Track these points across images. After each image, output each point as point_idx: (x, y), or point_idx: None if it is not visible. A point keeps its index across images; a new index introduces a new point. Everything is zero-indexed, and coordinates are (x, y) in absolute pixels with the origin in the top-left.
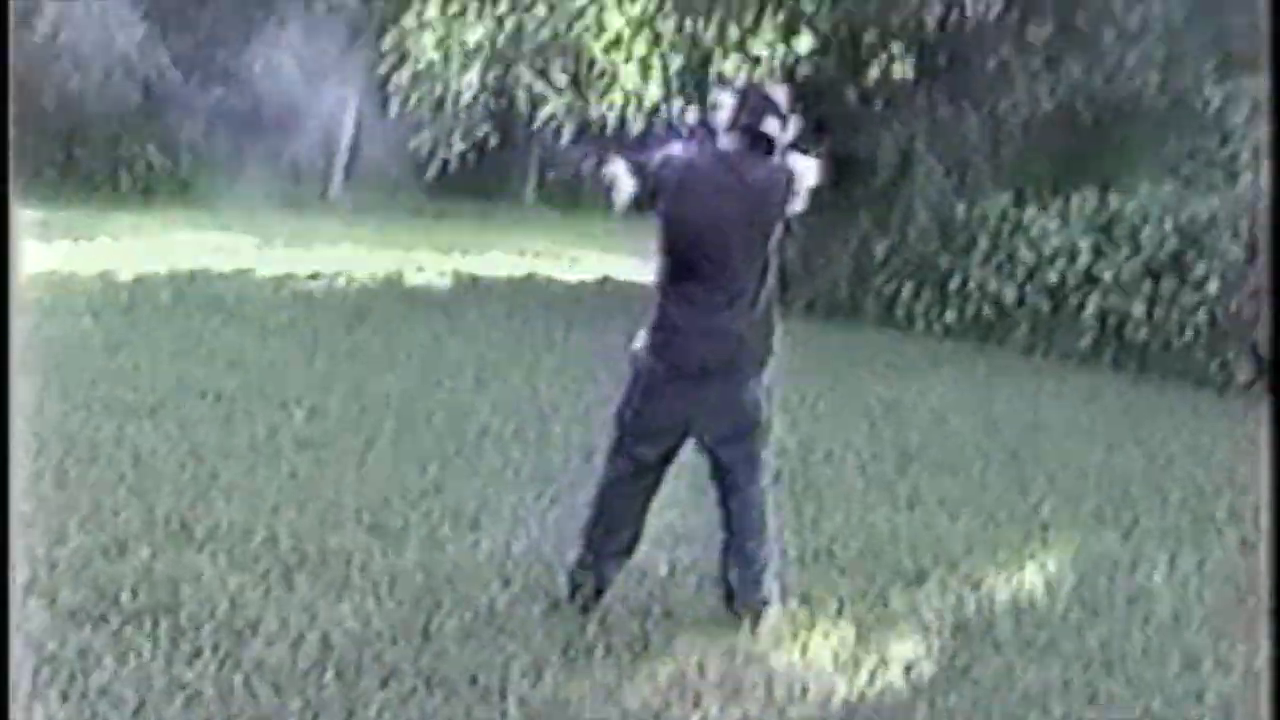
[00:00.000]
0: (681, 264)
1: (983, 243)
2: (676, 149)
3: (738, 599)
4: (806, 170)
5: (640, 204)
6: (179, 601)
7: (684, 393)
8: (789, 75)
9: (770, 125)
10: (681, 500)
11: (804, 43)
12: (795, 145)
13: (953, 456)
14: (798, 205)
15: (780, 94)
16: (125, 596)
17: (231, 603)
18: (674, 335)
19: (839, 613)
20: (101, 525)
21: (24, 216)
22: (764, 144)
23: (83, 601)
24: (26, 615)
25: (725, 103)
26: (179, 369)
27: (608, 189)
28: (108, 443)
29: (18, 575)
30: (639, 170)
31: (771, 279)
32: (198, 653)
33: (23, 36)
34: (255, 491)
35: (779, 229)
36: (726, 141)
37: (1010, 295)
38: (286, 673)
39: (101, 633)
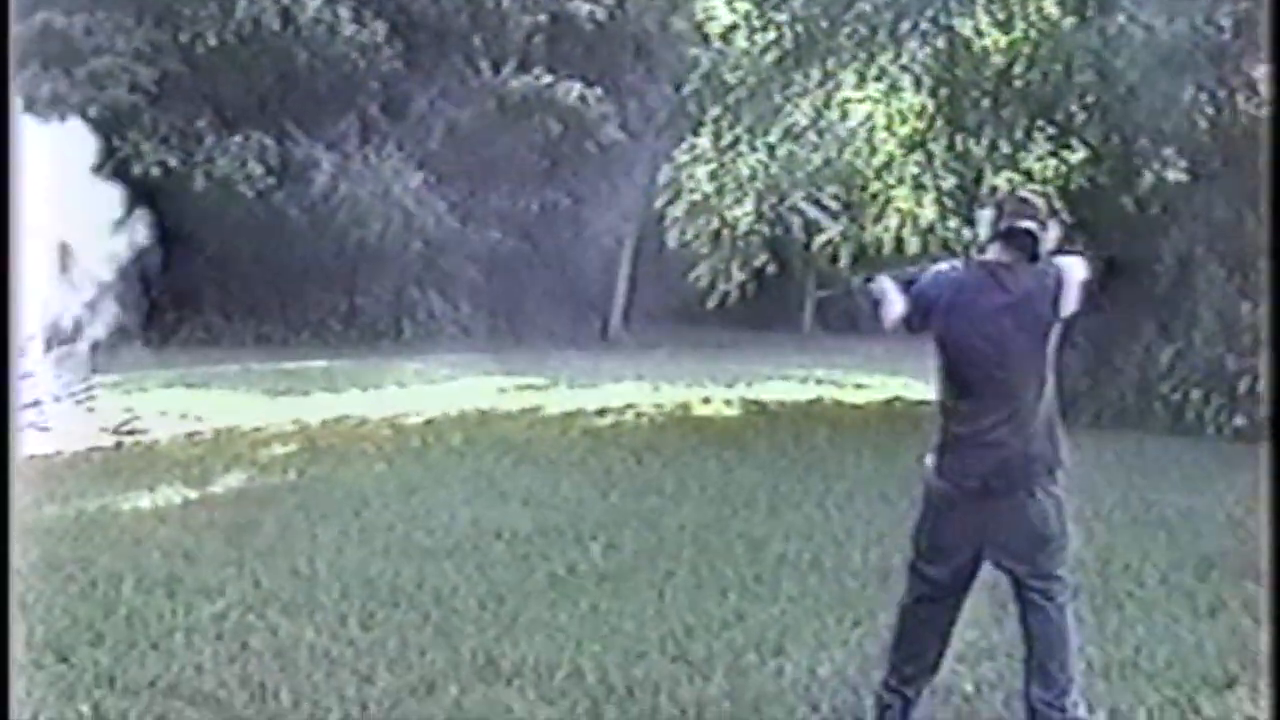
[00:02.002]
0: (960, 381)
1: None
2: (944, 266)
3: (1040, 719)
4: (1073, 268)
5: (911, 325)
6: None
7: (971, 511)
8: (1062, 187)
9: (1030, 224)
10: (985, 616)
11: (1076, 154)
12: (1064, 249)
13: (1252, 561)
14: (1071, 305)
15: (1038, 199)
16: None
17: None
18: (957, 453)
19: None
20: (409, 666)
21: (311, 366)
22: (1028, 249)
23: None
24: None
25: (984, 216)
26: (474, 510)
27: (875, 307)
28: (409, 585)
29: (333, 714)
30: (908, 289)
31: (1051, 388)
32: None
33: (301, 191)
34: (558, 627)
35: (1055, 334)
36: (991, 253)
37: None
38: None
39: None
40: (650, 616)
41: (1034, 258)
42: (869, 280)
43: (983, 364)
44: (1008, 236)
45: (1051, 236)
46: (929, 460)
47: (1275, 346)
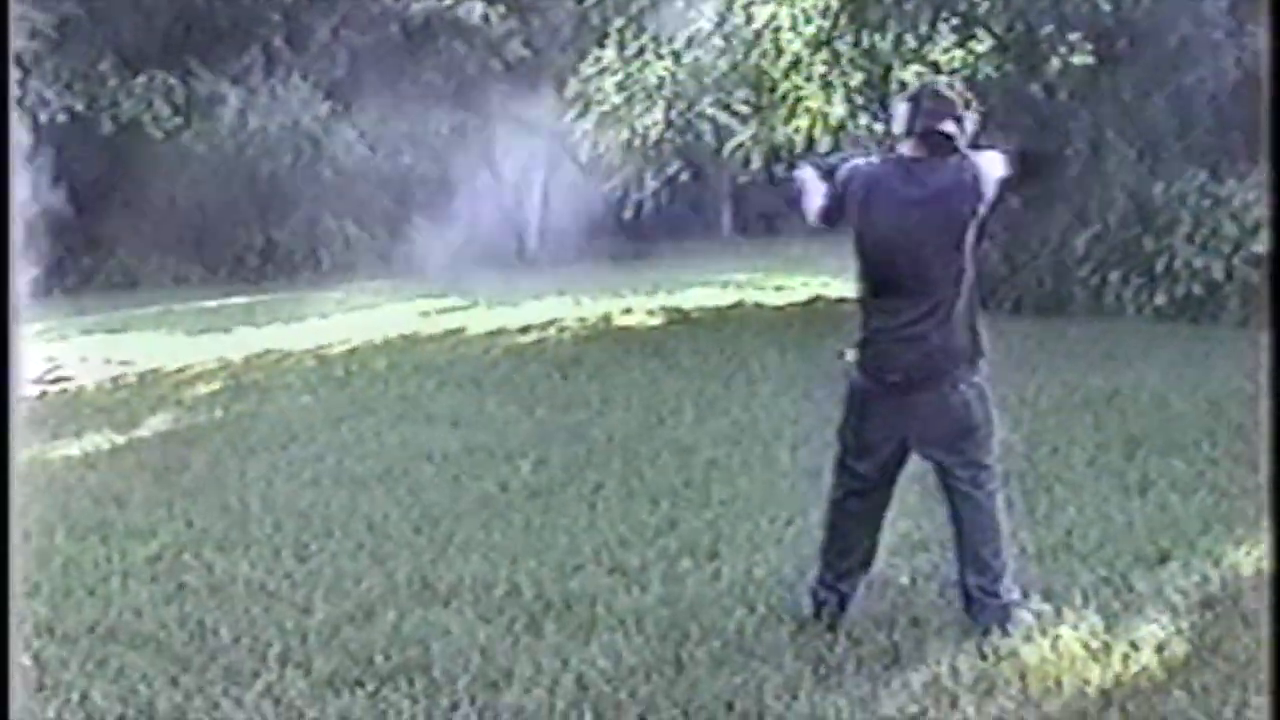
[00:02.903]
0: (878, 276)
1: (1184, 221)
2: (860, 161)
3: (975, 605)
4: (991, 164)
5: (829, 216)
6: (430, 659)
7: (895, 405)
8: (970, 78)
9: (947, 125)
10: (917, 508)
11: (982, 44)
12: (979, 144)
13: (1178, 438)
14: (988, 200)
15: (954, 92)
16: (378, 659)
17: (483, 654)
18: (879, 348)
19: (1084, 602)
20: (345, 594)
21: (231, 303)
22: (945, 145)
23: (337, 668)
24: (285, 685)
25: (900, 111)
26: (402, 434)
27: (798, 195)
28: (342, 513)
29: (273, 647)
30: (827, 178)
31: (971, 280)
32: (455, 706)
33: (209, 128)
34: (492, 545)
35: (973, 229)
36: (907, 148)
37: (1218, 271)
38: (545, 717)
39: (359, 696)
40: (583, 529)
41: (951, 153)
42: (793, 168)
43: (900, 258)
44: (924, 136)
45: (968, 130)
46: (851, 356)
47: (1275, 234)
